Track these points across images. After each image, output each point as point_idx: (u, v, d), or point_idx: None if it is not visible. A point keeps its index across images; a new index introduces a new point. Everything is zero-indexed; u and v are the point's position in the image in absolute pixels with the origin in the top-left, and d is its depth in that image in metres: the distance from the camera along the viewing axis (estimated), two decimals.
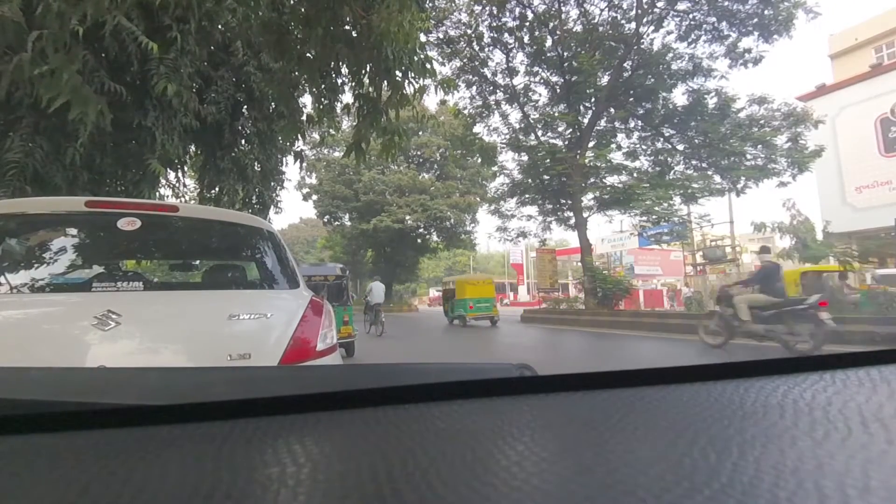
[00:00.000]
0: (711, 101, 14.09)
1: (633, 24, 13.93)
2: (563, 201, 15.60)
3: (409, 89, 4.23)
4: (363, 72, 4.28)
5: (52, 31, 2.59)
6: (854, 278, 12.37)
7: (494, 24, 14.90)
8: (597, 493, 0.31)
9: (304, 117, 5.93)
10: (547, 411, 0.50)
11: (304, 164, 6.74)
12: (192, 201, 8.00)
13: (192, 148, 6.97)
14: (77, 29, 2.79)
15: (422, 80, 4.24)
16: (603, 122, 15.74)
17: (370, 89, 4.39)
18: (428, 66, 4.18)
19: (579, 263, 16.86)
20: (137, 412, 0.47)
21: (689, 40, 13.95)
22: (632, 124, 15.73)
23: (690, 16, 13.65)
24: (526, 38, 15.02)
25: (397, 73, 4.14)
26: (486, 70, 15.78)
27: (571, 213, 15.44)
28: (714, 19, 13.34)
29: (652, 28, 14.01)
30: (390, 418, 0.48)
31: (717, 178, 14.45)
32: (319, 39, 3.81)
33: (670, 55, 13.97)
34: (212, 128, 6.04)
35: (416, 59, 4.07)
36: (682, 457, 0.36)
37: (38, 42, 2.65)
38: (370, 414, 0.48)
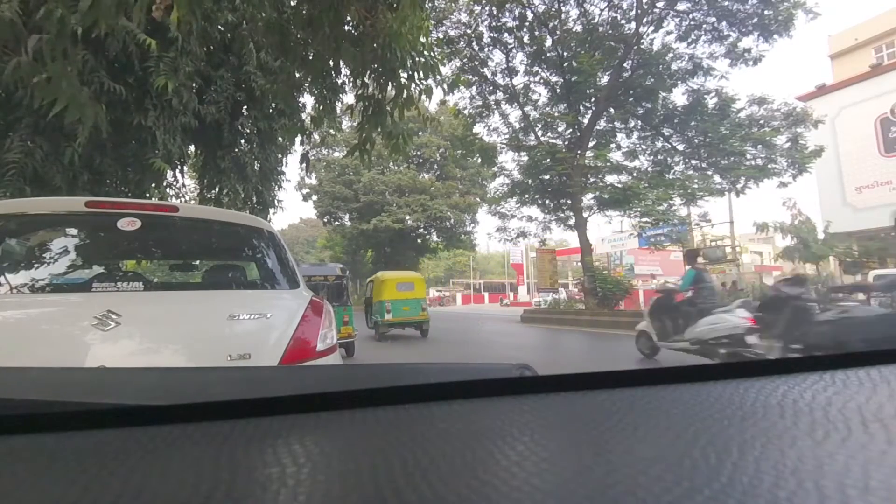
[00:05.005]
0: (711, 102, 14.08)
1: (633, 24, 13.93)
2: (563, 201, 15.61)
3: (414, 90, 4.22)
4: (366, 72, 4.27)
5: (50, 37, 2.58)
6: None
7: (494, 24, 14.90)
8: (597, 493, 0.31)
9: (305, 117, 5.93)
10: (547, 411, 0.50)
11: (308, 166, 6.72)
12: (192, 201, 8.00)
13: (192, 148, 6.97)
14: (76, 28, 2.78)
15: (428, 79, 4.24)
16: (603, 122, 15.73)
17: (375, 90, 4.38)
18: (432, 63, 4.18)
19: (579, 263, 16.86)
20: (137, 412, 0.47)
21: (689, 40, 13.95)
22: (632, 124, 15.73)
23: (690, 16, 13.65)
24: (526, 38, 15.02)
25: (402, 73, 4.13)
26: (486, 70, 15.78)
27: (571, 214, 15.44)
28: (714, 19, 13.34)
29: (652, 28, 14.01)
30: (390, 418, 0.48)
31: (717, 178, 14.45)
32: (324, 41, 3.80)
33: (670, 55, 13.97)
34: (211, 127, 6.04)
35: (422, 59, 4.07)
36: (682, 457, 0.36)
37: (37, 43, 2.64)
38: (370, 414, 0.48)
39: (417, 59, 4.03)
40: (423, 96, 4.32)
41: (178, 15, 2.62)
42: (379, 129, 4.40)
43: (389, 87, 4.21)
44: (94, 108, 2.94)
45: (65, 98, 2.66)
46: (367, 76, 4.28)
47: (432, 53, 4.35)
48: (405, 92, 4.14)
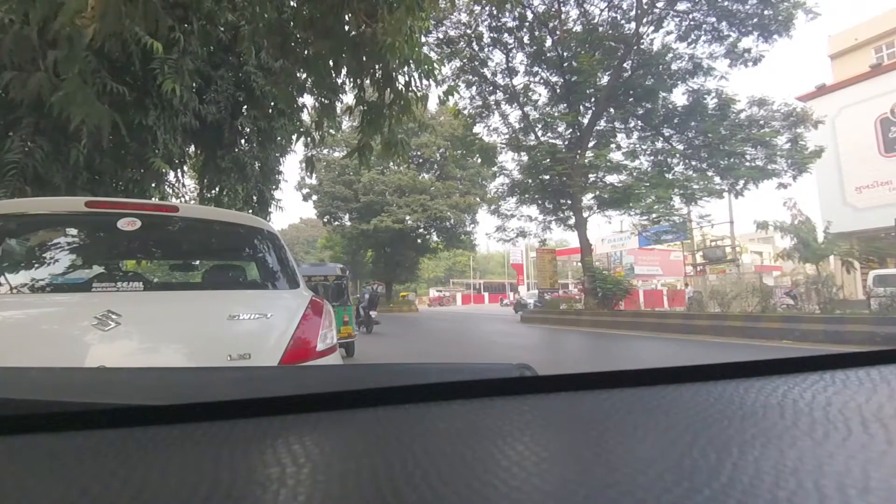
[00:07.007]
0: (711, 102, 14.08)
1: (633, 24, 13.93)
2: (563, 201, 15.60)
3: (411, 96, 4.23)
4: (365, 75, 4.28)
5: (65, 53, 2.62)
6: None
7: (494, 25, 14.90)
8: (597, 493, 0.31)
9: (305, 117, 5.95)
10: (547, 411, 0.50)
11: (313, 169, 6.67)
12: (192, 201, 8.00)
13: (193, 148, 6.98)
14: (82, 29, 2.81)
15: (426, 81, 4.26)
16: (603, 122, 15.74)
17: (373, 95, 4.40)
18: (429, 67, 4.19)
19: (579, 263, 16.85)
20: (137, 412, 0.46)
21: (689, 40, 13.95)
22: (632, 124, 15.73)
23: (690, 16, 13.66)
24: (526, 38, 15.02)
25: (400, 79, 4.15)
26: (486, 70, 15.78)
27: (571, 213, 15.43)
28: (714, 19, 13.34)
29: (652, 28, 14.02)
30: (390, 418, 0.48)
31: (717, 179, 14.45)
32: (325, 42, 3.80)
33: (670, 55, 13.97)
34: (212, 127, 6.04)
35: (421, 63, 4.08)
36: (682, 457, 0.36)
37: (52, 58, 2.70)
38: (370, 414, 0.48)
39: (415, 59, 4.04)
40: (420, 103, 4.33)
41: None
42: (377, 135, 4.41)
43: (388, 92, 4.23)
44: (109, 115, 2.99)
45: (82, 111, 2.71)
46: (366, 79, 4.29)
47: (431, 57, 4.37)
48: (401, 100, 4.16)
